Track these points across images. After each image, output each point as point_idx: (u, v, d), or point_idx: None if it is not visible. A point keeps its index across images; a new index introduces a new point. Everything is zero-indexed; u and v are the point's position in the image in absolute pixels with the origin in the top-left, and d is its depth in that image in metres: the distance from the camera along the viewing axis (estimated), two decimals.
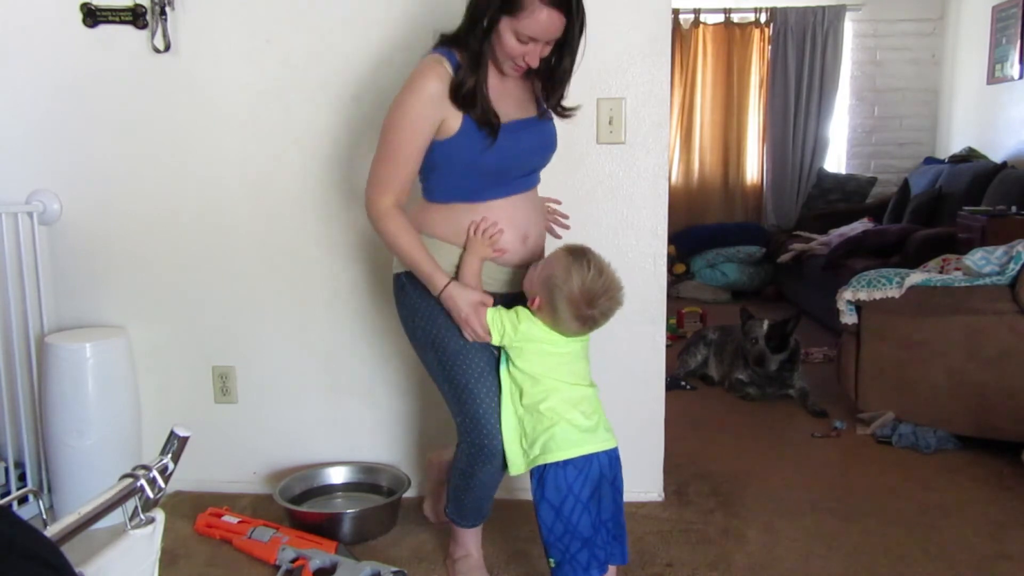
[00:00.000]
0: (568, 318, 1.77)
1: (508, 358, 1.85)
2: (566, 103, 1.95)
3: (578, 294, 1.74)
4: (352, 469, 2.57)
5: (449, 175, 1.85)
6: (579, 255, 1.78)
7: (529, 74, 1.89)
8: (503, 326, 1.82)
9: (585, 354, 1.90)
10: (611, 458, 1.85)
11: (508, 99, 1.86)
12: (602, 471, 1.83)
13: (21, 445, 2.52)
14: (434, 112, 1.77)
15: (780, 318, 3.58)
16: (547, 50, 1.79)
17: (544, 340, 1.82)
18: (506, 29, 1.73)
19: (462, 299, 1.81)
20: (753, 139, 6.21)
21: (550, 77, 1.89)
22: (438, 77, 1.77)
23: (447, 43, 1.82)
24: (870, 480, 2.71)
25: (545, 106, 1.94)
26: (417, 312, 1.90)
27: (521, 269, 1.92)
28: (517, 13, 1.70)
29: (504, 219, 1.87)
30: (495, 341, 1.83)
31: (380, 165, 1.83)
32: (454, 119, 1.78)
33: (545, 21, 1.71)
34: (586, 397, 1.85)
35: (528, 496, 1.95)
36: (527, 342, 1.82)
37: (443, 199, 1.88)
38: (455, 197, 1.87)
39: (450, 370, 1.87)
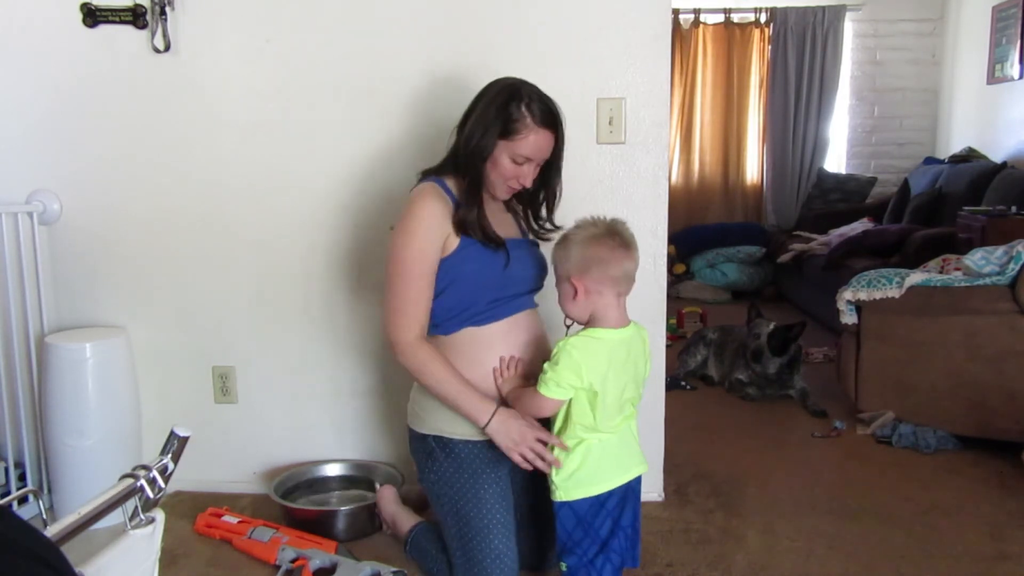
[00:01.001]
0: (610, 259, 1.73)
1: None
2: (549, 225, 2.02)
3: (600, 231, 1.73)
4: (347, 466, 2.58)
5: (458, 293, 1.83)
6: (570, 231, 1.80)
7: (509, 200, 1.98)
8: (571, 376, 1.71)
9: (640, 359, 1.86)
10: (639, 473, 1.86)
11: (501, 218, 1.94)
12: (629, 484, 1.83)
13: (21, 445, 2.52)
14: (439, 231, 1.81)
15: (787, 323, 3.56)
16: (536, 171, 1.86)
17: (601, 337, 1.75)
18: (502, 153, 1.81)
19: (514, 431, 1.77)
20: (753, 139, 6.21)
21: (532, 199, 1.98)
22: (438, 197, 1.82)
23: (432, 173, 1.89)
24: (870, 480, 2.71)
25: (527, 228, 2.02)
26: (447, 483, 1.87)
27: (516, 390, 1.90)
28: (512, 136, 1.79)
29: (517, 347, 1.88)
30: (568, 395, 1.73)
31: (397, 298, 1.81)
32: (453, 237, 1.83)
33: (539, 142, 1.81)
34: (629, 417, 1.86)
35: None
36: (587, 366, 1.71)
37: (451, 328, 1.86)
38: (464, 321, 1.85)
39: (467, 543, 1.85)
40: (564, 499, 1.77)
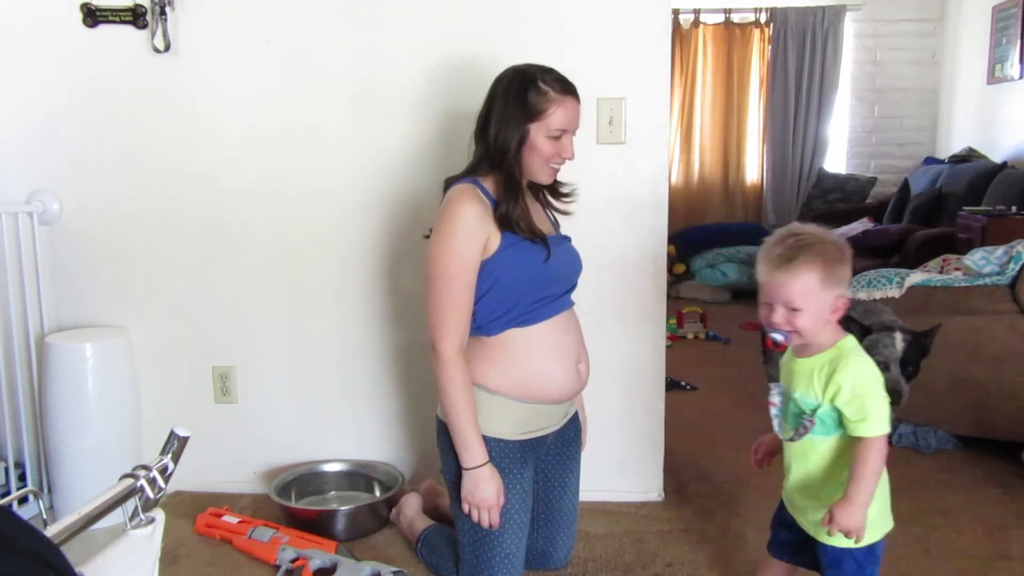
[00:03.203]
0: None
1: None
2: (567, 193, 2.02)
3: (835, 238, 1.52)
4: (347, 466, 2.59)
5: (501, 295, 1.80)
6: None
7: (536, 194, 1.97)
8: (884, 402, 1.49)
9: None
10: None
11: (538, 217, 1.92)
12: None
13: (21, 445, 2.52)
14: (479, 233, 1.78)
15: (915, 327, 2.44)
16: (573, 144, 1.86)
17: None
18: (537, 135, 1.80)
19: (490, 491, 1.79)
20: (753, 139, 6.21)
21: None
22: (475, 199, 1.79)
23: (466, 175, 1.86)
24: None
25: (551, 210, 2.01)
26: None
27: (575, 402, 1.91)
28: (542, 115, 1.79)
29: (558, 347, 1.86)
30: None
31: (440, 305, 1.79)
32: (495, 235, 1.80)
33: (567, 110, 1.82)
34: None
35: None
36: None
37: (496, 329, 1.83)
38: (508, 322, 1.82)
39: (480, 540, 1.86)
40: (866, 542, 1.56)
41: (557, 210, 2.03)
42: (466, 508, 1.82)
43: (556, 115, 1.79)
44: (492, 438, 1.84)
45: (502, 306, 1.81)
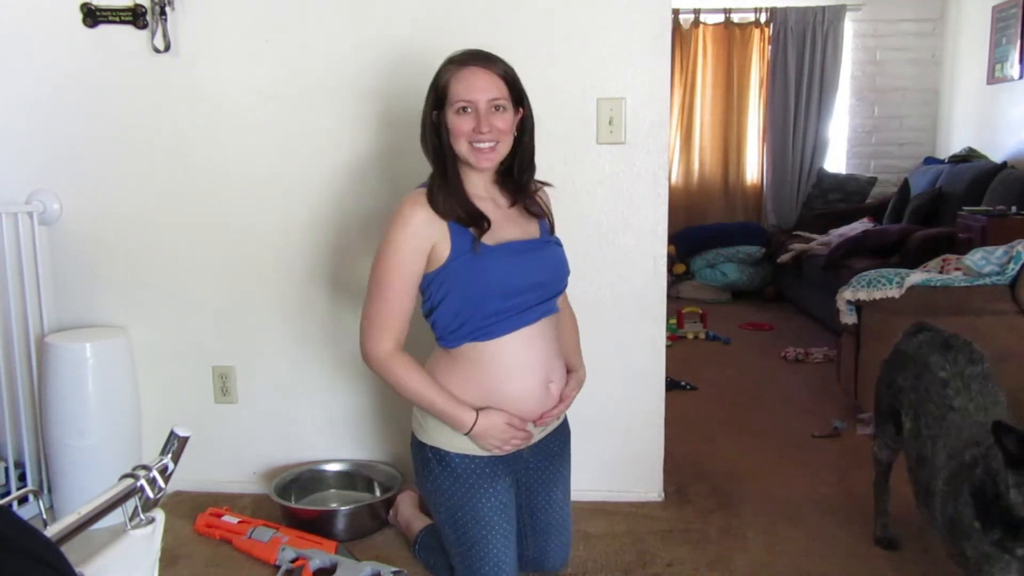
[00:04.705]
0: None
1: None
2: (535, 192, 1.90)
3: None
4: (346, 466, 2.59)
5: (455, 306, 1.73)
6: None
7: (508, 179, 1.84)
8: None
9: None
10: None
11: (508, 224, 1.81)
12: None
13: (21, 445, 2.52)
14: (423, 238, 1.72)
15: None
16: (501, 120, 1.73)
17: None
18: (448, 116, 1.74)
19: (495, 429, 1.76)
20: (753, 139, 6.21)
21: (509, 168, 1.84)
22: (419, 204, 1.73)
23: (425, 182, 1.81)
24: (870, 480, 2.70)
25: (549, 228, 1.91)
26: (443, 494, 1.82)
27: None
28: (445, 94, 1.73)
29: (523, 366, 1.77)
30: None
31: (371, 309, 1.76)
32: (443, 242, 1.72)
33: (465, 80, 1.72)
34: None
35: None
36: None
37: (454, 341, 1.76)
38: (464, 336, 1.75)
39: (466, 552, 1.82)
40: None
41: (524, 191, 1.86)
42: (508, 449, 1.79)
43: (455, 88, 1.72)
44: (457, 454, 1.79)
45: (457, 319, 1.74)
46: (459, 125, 1.72)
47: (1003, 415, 1.85)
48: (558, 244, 1.89)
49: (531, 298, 1.78)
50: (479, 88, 1.72)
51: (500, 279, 1.73)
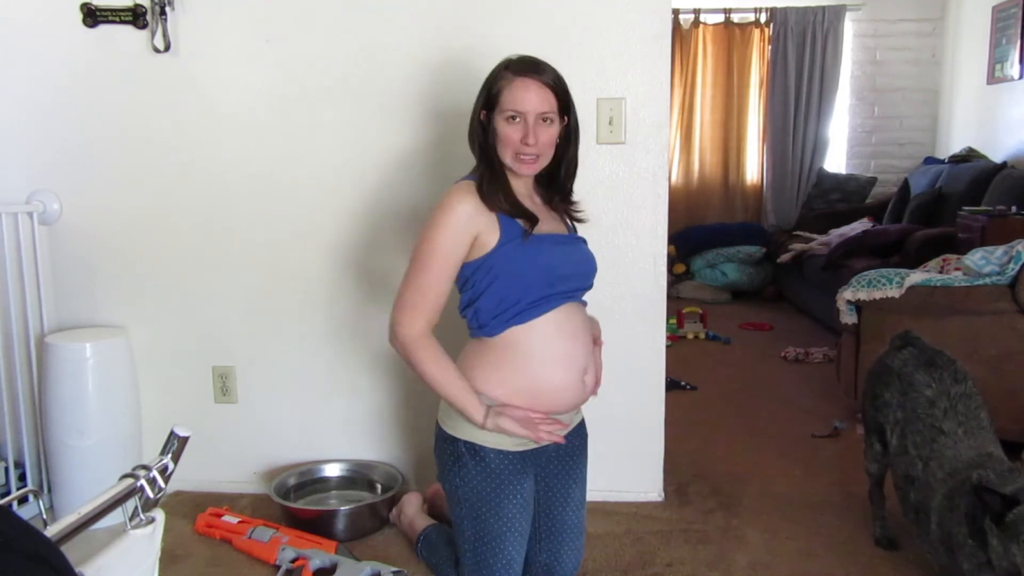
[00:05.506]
0: None
1: None
2: (575, 202, 1.96)
3: None
4: (347, 466, 2.59)
5: (501, 291, 1.76)
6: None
7: (545, 186, 1.91)
8: None
9: None
10: None
11: (546, 219, 1.87)
12: None
13: (21, 445, 2.52)
14: (468, 225, 1.75)
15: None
16: (546, 134, 1.78)
17: None
18: (498, 123, 1.78)
19: (509, 424, 1.76)
20: (753, 139, 6.21)
21: (553, 177, 1.90)
22: (469, 193, 1.78)
23: (470, 174, 1.85)
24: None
25: (565, 218, 1.96)
26: (472, 488, 1.82)
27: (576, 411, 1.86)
28: (497, 100, 1.77)
29: (563, 354, 1.80)
30: None
31: (409, 289, 1.77)
32: (490, 232, 1.76)
33: (519, 90, 1.75)
34: None
35: None
36: None
37: (498, 328, 1.78)
38: (508, 320, 1.77)
39: (480, 548, 1.83)
40: None
41: (572, 218, 2.00)
42: (545, 438, 1.79)
43: (507, 97, 1.76)
44: (491, 448, 1.81)
45: (503, 303, 1.78)
46: (508, 133, 1.77)
47: (988, 439, 1.90)
48: (585, 242, 1.97)
49: (571, 286, 1.85)
50: (531, 101, 1.77)
51: (549, 263, 1.79)
